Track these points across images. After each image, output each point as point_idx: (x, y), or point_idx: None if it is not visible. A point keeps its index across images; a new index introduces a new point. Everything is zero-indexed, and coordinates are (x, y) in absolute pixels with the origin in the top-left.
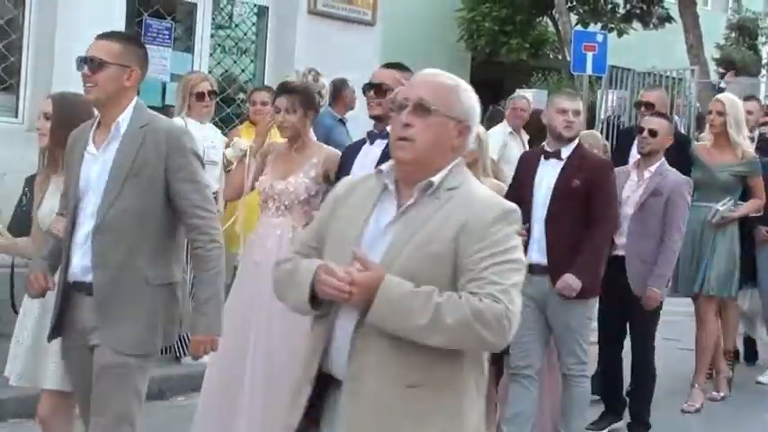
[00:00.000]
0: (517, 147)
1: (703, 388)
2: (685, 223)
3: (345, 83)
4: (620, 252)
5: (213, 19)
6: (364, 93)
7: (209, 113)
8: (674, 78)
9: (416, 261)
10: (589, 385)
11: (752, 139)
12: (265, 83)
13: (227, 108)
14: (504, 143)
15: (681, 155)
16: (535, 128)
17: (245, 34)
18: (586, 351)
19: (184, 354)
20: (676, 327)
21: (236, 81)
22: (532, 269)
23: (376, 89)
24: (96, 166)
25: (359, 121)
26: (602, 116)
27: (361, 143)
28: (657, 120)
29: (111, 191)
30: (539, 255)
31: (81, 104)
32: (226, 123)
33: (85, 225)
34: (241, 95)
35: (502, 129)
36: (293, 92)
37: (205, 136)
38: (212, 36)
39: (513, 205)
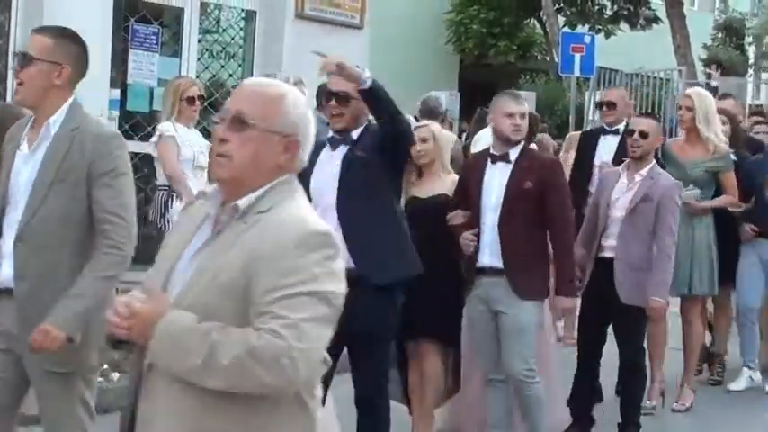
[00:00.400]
0: None
1: (693, 387)
2: (677, 227)
3: None
4: (607, 254)
5: (200, 24)
6: (318, 99)
7: (195, 118)
8: (661, 79)
9: (210, 293)
10: (541, 387)
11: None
12: None
13: (215, 113)
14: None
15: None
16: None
17: (233, 39)
18: (534, 356)
19: None
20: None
21: (223, 86)
22: (484, 272)
23: (336, 97)
24: (26, 168)
25: None
26: (591, 117)
27: (319, 147)
28: (646, 120)
29: (36, 197)
30: (491, 258)
31: (6, 112)
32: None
33: (11, 231)
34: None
35: (491, 131)
36: None
37: (192, 141)
38: (200, 41)
39: (323, 228)
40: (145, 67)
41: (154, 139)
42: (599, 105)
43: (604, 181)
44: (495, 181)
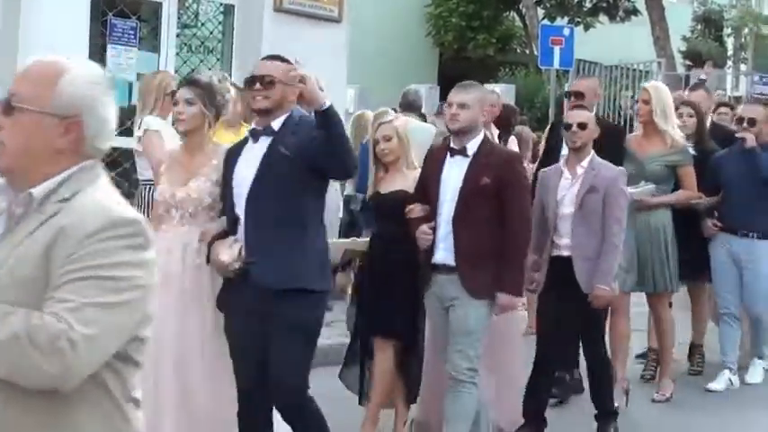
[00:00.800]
0: None
1: (672, 377)
2: (625, 215)
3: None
4: (562, 253)
5: (179, 18)
6: (246, 87)
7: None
8: (640, 71)
9: (8, 290)
10: (476, 392)
11: (706, 127)
12: (232, 80)
13: None
14: None
15: (612, 144)
16: (504, 122)
17: (212, 33)
18: (479, 357)
19: None
20: (644, 318)
21: None
22: (438, 269)
23: (261, 81)
24: None
25: None
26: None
27: (243, 142)
28: (583, 113)
29: None
30: (445, 254)
31: None
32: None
33: None
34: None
35: None
36: (195, 85)
37: (175, 136)
38: (178, 35)
39: (130, 216)
40: (123, 61)
41: (139, 133)
42: (567, 95)
43: (546, 180)
44: (453, 175)
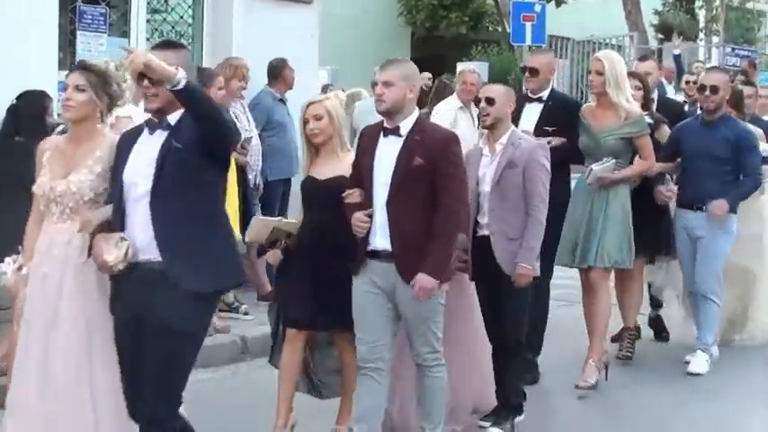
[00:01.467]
0: (467, 122)
1: (598, 365)
2: (547, 190)
3: (285, 62)
4: (484, 232)
5: (148, 3)
6: (271, 75)
7: None
8: (613, 45)
9: None
10: (445, 374)
11: (652, 100)
12: (203, 65)
13: None
14: (455, 119)
15: (569, 118)
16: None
17: (182, 17)
18: (440, 338)
19: None
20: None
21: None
22: (377, 255)
23: (149, 79)
24: None
25: (296, 100)
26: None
27: (137, 131)
28: (494, 87)
29: None
30: (383, 240)
31: None
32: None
33: None
34: None
35: (452, 104)
36: (88, 70)
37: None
38: (148, 21)
39: None
40: (93, 48)
41: (110, 119)
42: (522, 69)
43: (470, 158)
44: (387, 156)
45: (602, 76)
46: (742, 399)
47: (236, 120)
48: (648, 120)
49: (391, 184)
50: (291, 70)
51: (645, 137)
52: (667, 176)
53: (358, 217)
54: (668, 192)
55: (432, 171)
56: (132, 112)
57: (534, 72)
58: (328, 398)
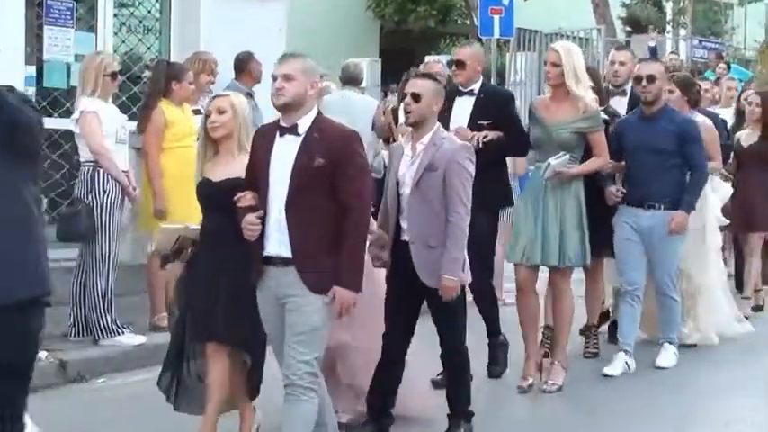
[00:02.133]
0: None
1: (564, 365)
2: (470, 194)
3: (251, 56)
4: (406, 237)
5: None
6: (237, 69)
7: (113, 93)
8: (581, 38)
9: None
10: (317, 400)
11: (623, 93)
12: (171, 59)
13: (134, 87)
14: None
15: (503, 110)
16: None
17: (149, 12)
18: (320, 359)
19: (103, 336)
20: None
21: (141, 60)
22: (272, 261)
23: None
24: None
25: (264, 93)
26: (512, 79)
27: None
28: (420, 81)
29: None
30: (278, 246)
31: None
32: (133, 102)
33: None
34: (147, 74)
35: None
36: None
37: (114, 117)
38: (115, 15)
39: None
40: (60, 42)
41: (75, 115)
42: (449, 64)
43: (392, 156)
44: (284, 157)
45: (559, 67)
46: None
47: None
48: (603, 116)
49: (289, 186)
50: (258, 63)
51: (599, 133)
52: (617, 175)
53: (249, 220)
54: (618, 192)
55: (333, 172)
56: (97, 108)
57: (461, 65)
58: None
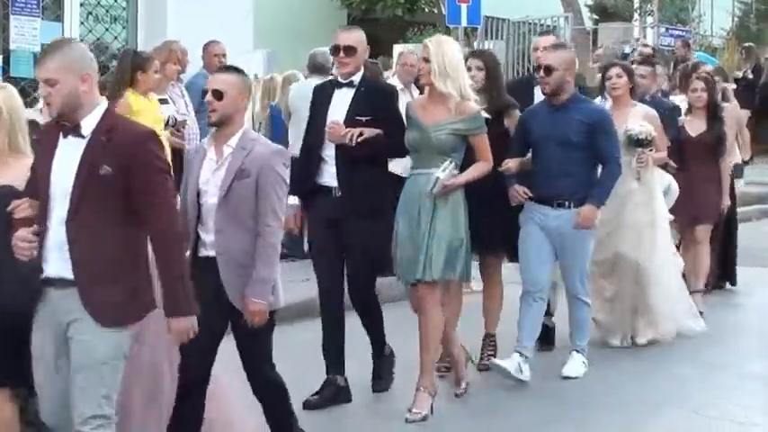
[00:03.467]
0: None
1: (431, 390)
2: (284, 206)
3: (218, 44)
4: (210, 252)
5: None
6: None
7: None
8: (548, 26)
9: None
10: None
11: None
12: (138, 48)
13: (101, 76)
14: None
15: (385, 106)
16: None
17: (116, 1)
18: (111, 398)
19: None
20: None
21: (108, 48)
22: (52, 283)
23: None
24: None
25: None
26: None
27: None
28: (224, 76)
29: None
30: (59, 265)
31: None
32: (100, 92)
33: None
34: (114, 63)
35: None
36: None
37: None
38: (82, 4)
39: None
40: (27, 32)
41: (40, 105)
42: (332, 51)
43: (191, 159)
44: (67, 162)
45: (430, 63)
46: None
47: (172, 104)
48: (485, 115)
49: (71, 196)
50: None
51: (480, 135)
52: None
53: (21, 236)
54: (523, 192)
55: (125, 179)
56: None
57: (349, 51)
58: None
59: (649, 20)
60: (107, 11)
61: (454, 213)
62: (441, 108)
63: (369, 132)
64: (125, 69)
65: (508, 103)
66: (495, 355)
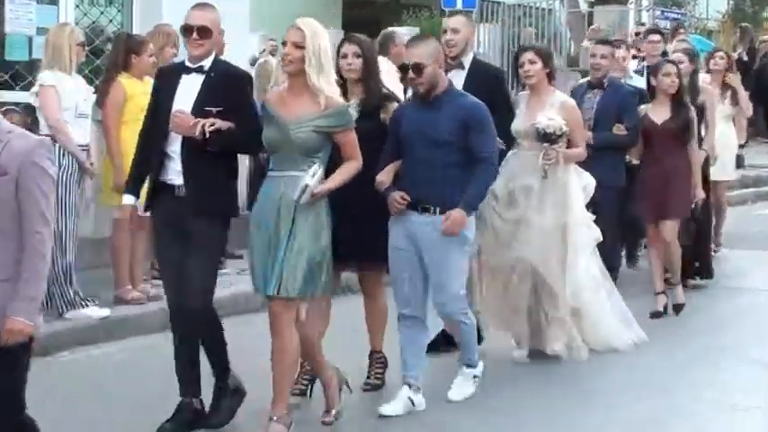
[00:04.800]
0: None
1: (285, 421)
2: (51, 206)
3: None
4: None
5: None
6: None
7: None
8: (543, 9)
9: None
10: None
11: (461, 65)
12: (134, 32)
13: (97, 59)
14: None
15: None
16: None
17: None
18: None
19: (66, 309)
20: None
21: (103, 32)
22: None
23: None
24: None
25: None
26: (477, 50)
27: None
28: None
29: None
30: None
31: None
32: (96, 75)
33: None
34: (110, 46)
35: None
36: None
37: (78, 89)
38: None
39: None
40: (22, 15)
41: (35, 88)
42: (183, 31)
43: None
44: None
45: (301, 49)
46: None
47: None
48: (354, 111)
49: None
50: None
51: (346, 132)
52: None
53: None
54: (402, 198)
55: (14, 188)
56: (56, 81)
57: (204, 32)
58: None
59: (645, 2)
60: None
61: (316, 223)
62: (304, 102)
63: (221, 124)
64: (119, 53)
65: (386, 95)
66: (383, 373)
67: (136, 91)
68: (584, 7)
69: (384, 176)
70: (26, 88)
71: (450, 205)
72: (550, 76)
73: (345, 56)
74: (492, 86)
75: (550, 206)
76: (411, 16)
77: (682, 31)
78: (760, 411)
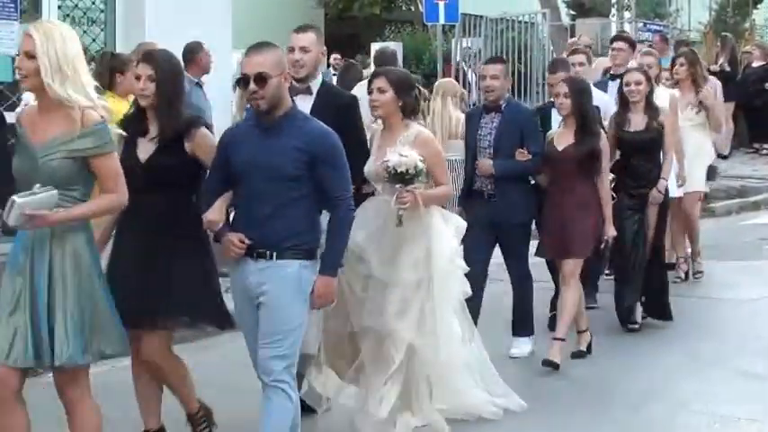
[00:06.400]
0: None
1: None
2: None
3: (200, 46)
4: None
5: None
6: (185, 58)
7: None
8: (526, 23)
9: None
10: None
11: (309, 90)
12: (117, 50)
13: None
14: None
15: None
16: None
17: (94, 3)
18: None
19: None
20: None
21: (87, 51)
22: None
23: None
24: None
25: (212, 84)
26: (458, 60)
27: None
28: None
29: None
30: None
31: None
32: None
33: None
34: (93, 65)
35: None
36: None
37: None
38: (60, 7)
39: None
40: (5, 35)
41: (19, 108)
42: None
43: None
44: None
45: (34, 59)
46: None
47: None
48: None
49: None
50: (207, 54)
51: (104, 157)
52: None
53: None
54: (240, 241)
55: None
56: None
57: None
58: None
59: (627, 15)
60: (85, 13)
61: (79, 277)
62: (56, 121)
63: None
64: (103, 72)
65: (189, 121)
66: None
67: (119, 109)
68: (566, 20)
69: (215, 215)
70: (10, 109)
71: (289, 250)
72: (406, 109)
73: (138, 78)
74: (344, 117)
75: (408, 261)
76: (394, 31)
77: (647, 43)
78: (746, 422)
